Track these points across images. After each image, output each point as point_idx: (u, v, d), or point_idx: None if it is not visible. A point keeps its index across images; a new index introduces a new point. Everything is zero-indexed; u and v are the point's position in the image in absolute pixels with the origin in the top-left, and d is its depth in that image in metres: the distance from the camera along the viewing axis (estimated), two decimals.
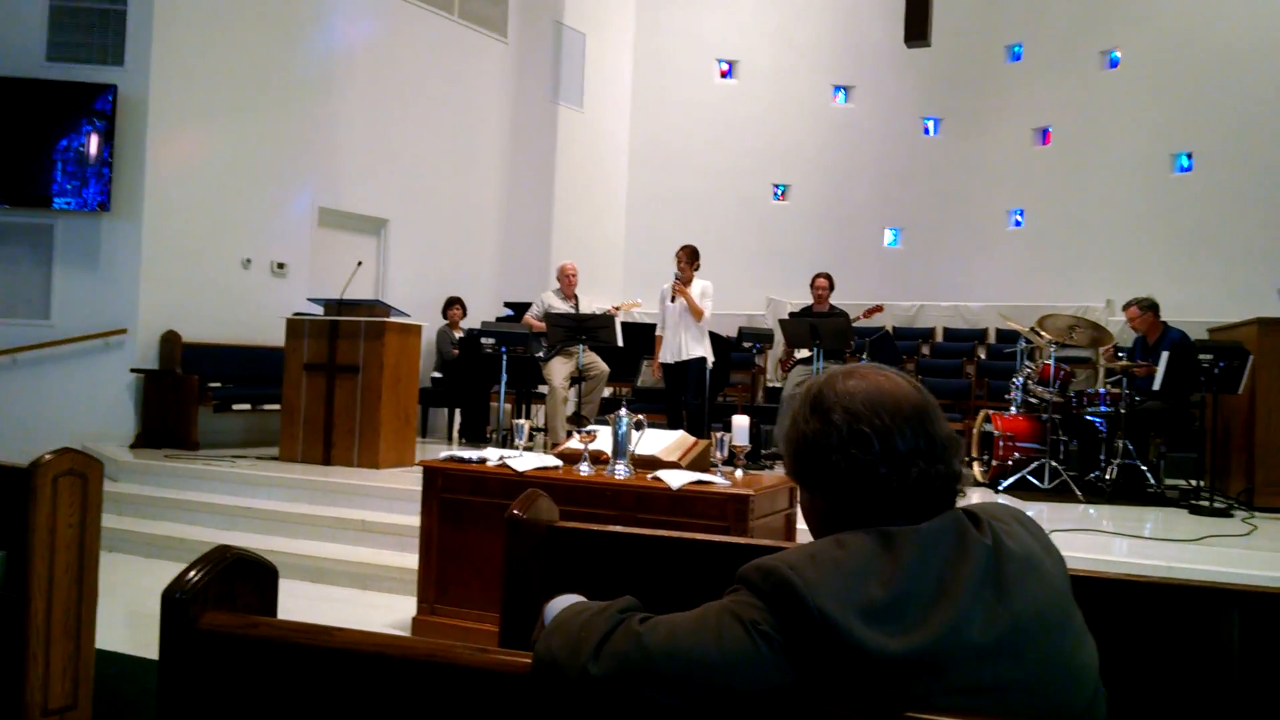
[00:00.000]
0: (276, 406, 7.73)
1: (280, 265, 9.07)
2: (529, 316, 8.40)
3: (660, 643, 1.19)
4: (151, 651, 4.01)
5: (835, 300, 8.64)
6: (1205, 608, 1.95)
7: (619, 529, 2.42)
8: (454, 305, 9.92)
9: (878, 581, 1.21)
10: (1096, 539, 5.19)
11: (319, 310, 7.59)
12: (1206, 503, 6.29)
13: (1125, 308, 7.47)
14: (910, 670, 1.17)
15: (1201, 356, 6.37)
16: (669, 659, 1.18)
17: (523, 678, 1.32)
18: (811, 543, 1.27)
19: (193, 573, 1.50)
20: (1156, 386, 6.69)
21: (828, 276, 8.59)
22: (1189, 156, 11.60)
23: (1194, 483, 7.03)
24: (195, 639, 1.47)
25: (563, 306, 8.22)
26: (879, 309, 8.74)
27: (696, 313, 7.63)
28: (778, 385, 9.72)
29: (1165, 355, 6.67)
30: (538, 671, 1.28)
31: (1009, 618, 1.23)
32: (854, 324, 8.32)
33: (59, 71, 8.00)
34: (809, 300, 8.84)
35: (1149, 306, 7.31)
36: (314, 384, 7.31)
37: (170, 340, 8.12)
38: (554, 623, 1.33)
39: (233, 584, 1.55)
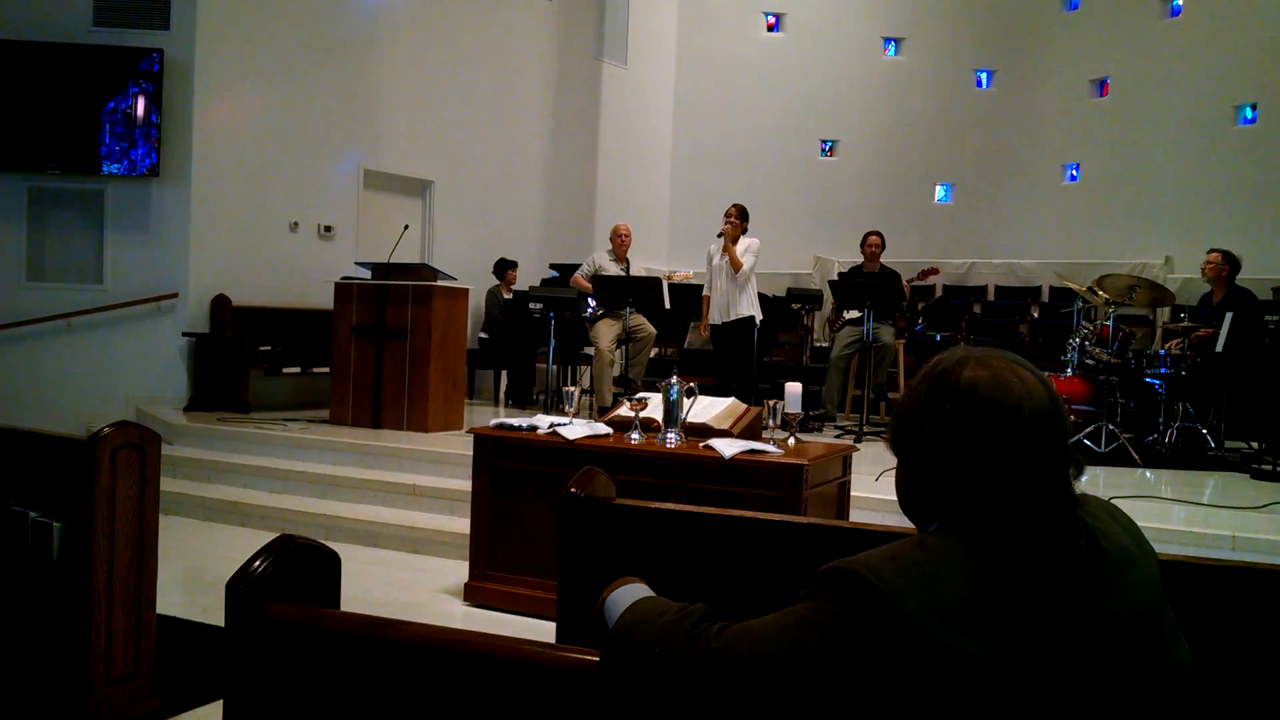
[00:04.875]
0: (326, 369, 7.79)
1: (327, 228, 9.09)
2: (578, 275, 8.37)
3: (738, 658, 1.16)
4: (210, 617, 4.08)
5: (884, 258, 8.50)
6: None
7: (677, 507, 2.39)
8: (511, 268, 9.94)
9: (963, 585, 1.16)
10: (1156, 506, 5.08)
11: (366, 274, 7.61)
12: (1269, 467, 6.14)
13: (1209, 252, 7.25)
14: (996, 674, 1.13)
15: (1267, 317, 6.20)
16: (748, 675, 1.15)
17: (589, 675, 1.30)
18: (892, 544, 1.22)
19: (257, 562, 1.49)
20: (1220, 348, 6.52)
21: (880, 235, 8.44)
22: (1253, 108, 11.22)
23: (1256, 445, 6.87)
24: (260, 629, 1.46)
25: (614, 269, 8.18)
26: (935, 271, 8.59)
27: (735, 264, 7.51)
28: (825, 345, 9.62)
29: (1229, 316, 6.49)
30: (606, 676, 1.26)
31: (1100, 621, 1.18)
32: (909, 284, 8.20)
33: (105, 37, 8.02)
34: (858, 258, 8.71)
35: (1231, 261, 7.09)
36: (363, 348, 7.34)
37: (220, 304, 8.19)
38: (623, 625, 1.29)
39: (296, 573, 1.53)
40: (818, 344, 10.71)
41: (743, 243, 7.60)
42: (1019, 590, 1.17)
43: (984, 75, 13.44)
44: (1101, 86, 12.55)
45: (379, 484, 6.07)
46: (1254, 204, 10.93)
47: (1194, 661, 1.31)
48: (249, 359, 7.95)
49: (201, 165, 8.16)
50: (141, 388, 8.06)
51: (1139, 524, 1.36)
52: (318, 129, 8.98)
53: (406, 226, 8.56)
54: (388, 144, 9.65)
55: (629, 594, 1.41)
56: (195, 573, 5.02)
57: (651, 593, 1.43)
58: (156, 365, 8.15)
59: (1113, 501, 1.36)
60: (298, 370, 8.33)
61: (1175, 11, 11.89)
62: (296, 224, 8.84)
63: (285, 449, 6.73)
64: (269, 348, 8.14)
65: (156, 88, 7.96)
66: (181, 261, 8.13)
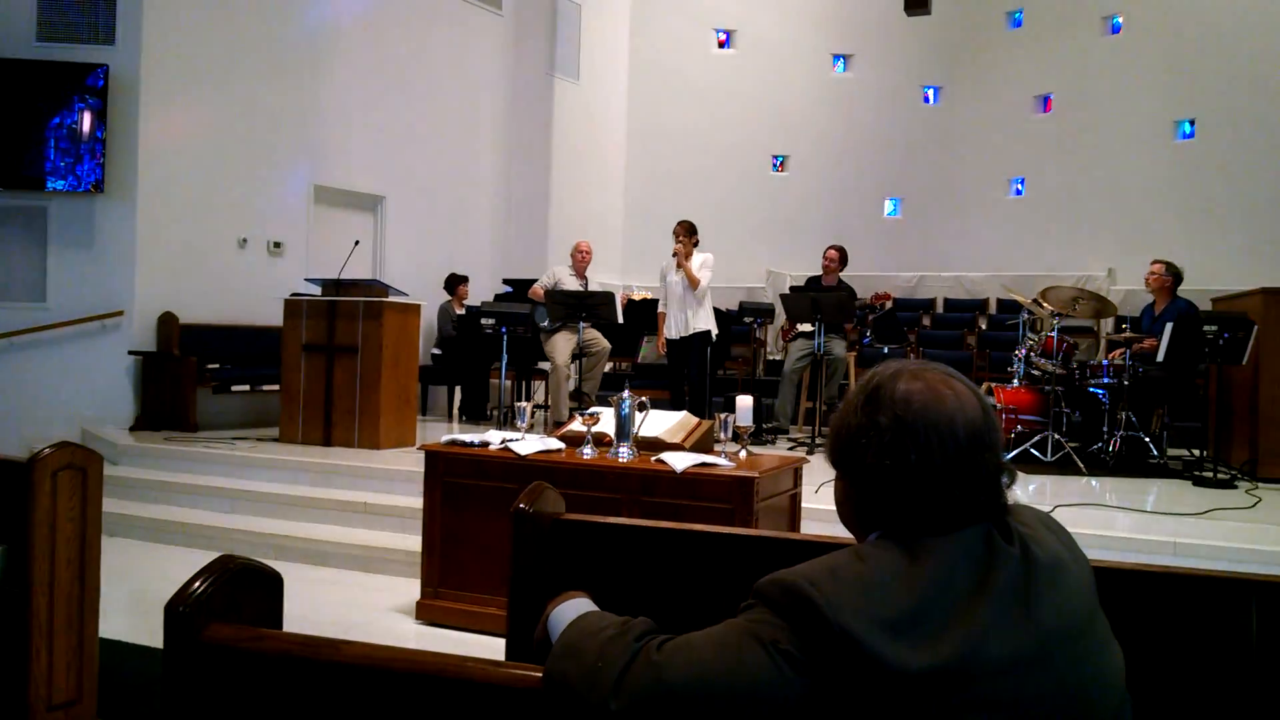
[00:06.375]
0: (276, 387, 7.69)
1: (277, 244, 9.00)
2: (537, 286, 8.40)
3: (680, 672, 1.16)
4: (155, 640, 4.00)
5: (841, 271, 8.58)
6: (1222, 599, 1.92)
7: (626, 521, 2.39)
8: (462, 283, 9.91)
9: (901, 596, 1.18)
10: (1101, 514, 5.16)
11: (317, 290, 7.54)
12: (1210, 474, 6.28)
13: (1153, 263, 7.42)
14: (934, 685, 1.14)
15: (1206, 328, 6.33)
16: (690, 688, 1.15)
17: (534, 692, 1.30)
18: (831, 555, 1.24)
19: (197, 584, 1.47)
20: (1160, 358, 6.66)
21: (839, 249, 8.52)
22: (1191, 124, 11.51)
23: (1197, 453, 7.02)
24: (199, 652, 1.44)
25: (573, 283, 8.20)
26: (887, 296, 8.74)
27: (693, 281, 7.57)
28: (778, 358, 9.69)
29: (1169, 326, 6.63)
30: (550, 693, 1.26)
31: (1035, 630, 1.20)
32: (861, 304, 8.29)
33: (50, 52, 7.90)
34: (810, 271, 8.80)
35: (1174, 272, 7.27)
36: (313, 365, 7.27)
37: (167, 322, 8.07)
38: (565, 641, 1.30)
39: (237, 594, 1.51)
40: (771, 357, 10.79)
41: (697, 258, 7.65)
42: (955, 601, 1.19)
43: (932, 91, 13.65)
44: (1045, 102, 12.80)
45: (330, 502, 6.00)
46: (1194, 217, 11.20)
47: (1136, 668, 1.34)
48: (197, 377, 7.84)
49: (148, 181, 8.04)
50: (87, 407, 7.91)
51: (1085, 531, 1.40)
52: (267, 144, 8.90)
53: (357, 242, 8.50)
54: (338, 159, 9.58)
55: (572, 609, 1.42)
56: (141, 595, 4.93)
57: (595, 607, 1.43)
58: (102, 384, 8.00)
59: (1058, 509, 1.40)
60: (247, 388, 8.23)
61: (1115, 29, 12.17)
62: (245, 240, 8.74)
63: (234, 468, 6.63)
64: (217, 365, 8.03)
65: (102, 103, 7.85)
66: (127, 279, 8.01)
